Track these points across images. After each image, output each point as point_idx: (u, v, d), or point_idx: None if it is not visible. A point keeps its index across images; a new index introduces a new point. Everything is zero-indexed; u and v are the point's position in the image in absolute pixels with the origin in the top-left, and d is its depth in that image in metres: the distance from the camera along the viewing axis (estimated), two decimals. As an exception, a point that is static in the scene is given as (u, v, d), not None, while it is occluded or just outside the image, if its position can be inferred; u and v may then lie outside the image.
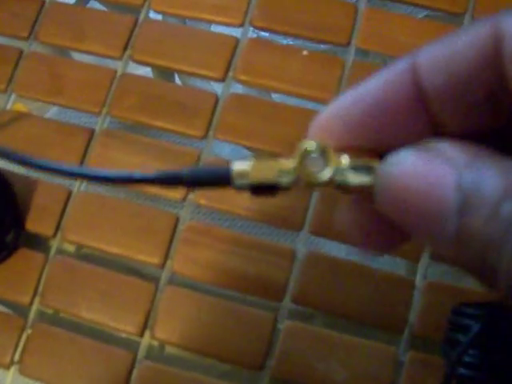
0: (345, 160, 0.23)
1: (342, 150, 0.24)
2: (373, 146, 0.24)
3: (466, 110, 0.23)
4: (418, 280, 0.56)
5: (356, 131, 0.24)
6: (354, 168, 0.23)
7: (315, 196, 0.59)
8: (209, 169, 0.23)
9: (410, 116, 0.23)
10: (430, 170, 0.21)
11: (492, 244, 0.19)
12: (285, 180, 0.23)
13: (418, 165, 0.21)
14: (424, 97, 0.23)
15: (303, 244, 0.58)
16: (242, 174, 0.23)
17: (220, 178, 0.23)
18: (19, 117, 0.67)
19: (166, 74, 0.74)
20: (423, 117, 0.23)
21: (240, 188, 0.23)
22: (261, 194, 0.23)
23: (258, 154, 0.22)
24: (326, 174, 0.23)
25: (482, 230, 0.19)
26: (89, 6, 0.73)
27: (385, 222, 0.23)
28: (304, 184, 0.23)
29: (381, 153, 0.23)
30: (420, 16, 0.75)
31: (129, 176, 0.24)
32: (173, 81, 0.76)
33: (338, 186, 0.23)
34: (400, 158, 0.22)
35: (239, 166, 0.23)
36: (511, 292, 0.19)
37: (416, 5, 0.67)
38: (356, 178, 0.23)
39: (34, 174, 0.64)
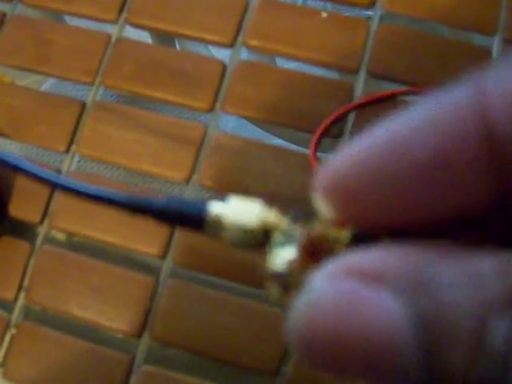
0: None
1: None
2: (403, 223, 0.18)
3: None
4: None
5: (383, 196, 0.18)
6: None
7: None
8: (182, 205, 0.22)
9: (472, 172, 0.17)
10: (364, 298, 0.16)
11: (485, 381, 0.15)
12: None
13: (341, 294, 0.16)
14: (495, 144, 0.17)
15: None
16: (217, 220, 0.21)
17: (194, 222, 0.21)
18: (3, 88, 0.63)
19: (166, 39, 0.69)
20: (490, 172, 0.17)
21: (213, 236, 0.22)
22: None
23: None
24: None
25: (465, 368, 0.15)
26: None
27: None
28: None
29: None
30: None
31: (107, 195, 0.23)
32: (174, 47, 0.71)
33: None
34: (311, 296, 0.17)
35: (219, 209, 0.21)
36: None
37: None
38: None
39: (19, 153, 0.60)
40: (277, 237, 0.20)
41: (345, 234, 0.19)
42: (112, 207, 0.23)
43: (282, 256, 0.20)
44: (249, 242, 0.21)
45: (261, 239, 0.21)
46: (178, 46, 0.78)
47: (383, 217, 0.18)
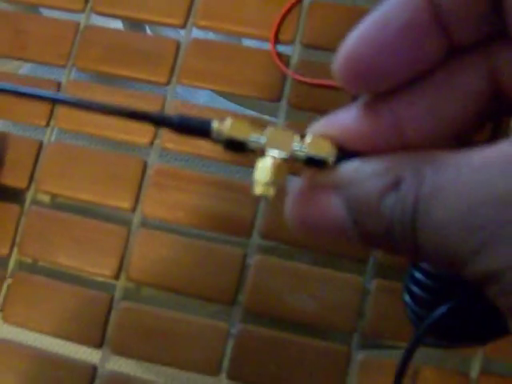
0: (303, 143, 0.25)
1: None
2: (397, 75, 0.25)
3: (477, 21, 0.24)
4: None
5: (379, 56, 0.24)
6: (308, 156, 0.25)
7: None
8: (194, 119, 0.25)
9: (428, 34, 0.24)
10: (315, 198, 0.25)
11: (388, 233, 0.23)
12: (253, 146, 0.25)
13: (304, 196, 0.25)
14: (438, 12, 0.23)
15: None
16: (219, 131, 0.25)
17: (202, 129, 0.25)
18: None
19: (135, 24, 0.75)
20: (439, 34, 0.24)
21: (216, 142, 0.25)
22: (230, 150, 0.26)
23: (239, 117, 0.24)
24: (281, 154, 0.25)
25: (377, 229, 0.23)
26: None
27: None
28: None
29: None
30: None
31: (129, 110, 0.27)
32: (143, 31, 0.78)
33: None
34: (292, 196, 0.26)
35: (219, 123, 0.25)
36: (415, 256, 0.23)
37: None
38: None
39: (4, 128, 0.66)
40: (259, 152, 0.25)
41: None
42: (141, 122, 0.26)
43: (262, 167, 0.25)
44: (238, 147, 0.25)
45: (250, 146, 0.25)
46: (148, 30, 0.83)
47: (377, 74, 0.24)
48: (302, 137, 0.25)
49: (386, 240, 0.23)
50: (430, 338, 0.48)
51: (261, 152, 0.25)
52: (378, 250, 0.23)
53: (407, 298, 0.51)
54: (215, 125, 0.25)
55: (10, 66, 0.80)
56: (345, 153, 0.25)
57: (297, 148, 0.25)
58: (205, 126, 0.25)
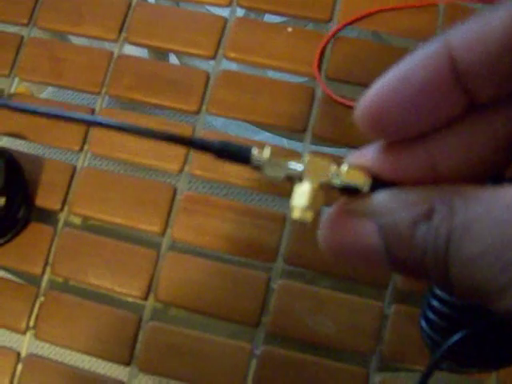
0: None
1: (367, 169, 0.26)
2: (416, 127, 0.26)
3: (499, 81, 0.25)
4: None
5: (400, 110, 0.25)
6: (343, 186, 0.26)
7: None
8: (235, 145, 0.26)
9: (448, 91, 0.25)
10: (352, 224, 0.25)
11: (421, 262, 0.24)
12: (290, 174, 0.26)
13: (341, 222, 0.26)
14: (459, 73, 0.24)
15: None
16: (259, 159, 0.26)
17: (241, 156, 0.26)
18: (22, 99, 0.73)
19: (161, 54, 0.78)
20: (459, 93, 0.25)
21: (255, 169, 0.26)
22: (270, 178, 0.26)
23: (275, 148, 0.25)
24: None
25: (407, 258, 0.24)
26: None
27: None
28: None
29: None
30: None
31: (167, 135, 0.28)
32: (167, 60, 0.81)
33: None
34: (329, 216, 0.26)
35: (259, 151, 0.26)
36: (447, 286, 0.24)
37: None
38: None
39: (40, 153, 0.70)
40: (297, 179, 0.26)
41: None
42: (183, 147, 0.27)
43: (300, 193, 0.25)
44: (280, 177, 0.26)
45: (289, 175, 0.26)
46: (176, 59, 0.86)
47: (397, 125, 0.25)
48: (339, 165, 0.26)
49: (416, 268, 0.24)
50: (445, 362, 0.51)
51: (298, 179, 0.26)
52: (406, 277, 0.24)
53: (424, 323, 0.54)
54: (255, 152, 0.26)
55: (37, 88, 0.83)
56: (378, 182, 0.26)
57: (333, 175, 0.26)
58: (245, 152, 0.26)
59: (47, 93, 0.83)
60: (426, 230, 0.23)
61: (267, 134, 0.82)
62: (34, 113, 0.30)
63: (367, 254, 0.25)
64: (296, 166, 0.26)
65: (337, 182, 0.26)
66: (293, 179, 0.26)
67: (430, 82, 0.25)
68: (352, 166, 0.26)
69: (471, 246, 0.22)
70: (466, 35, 0.24)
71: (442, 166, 0.26)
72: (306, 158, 0.26)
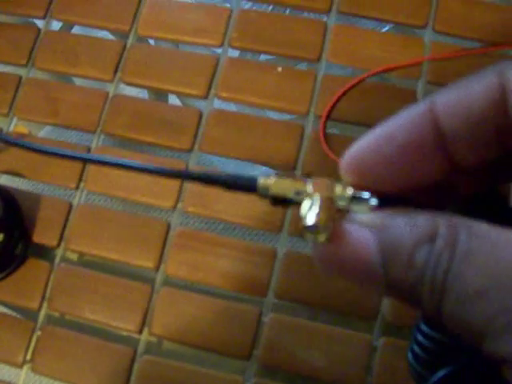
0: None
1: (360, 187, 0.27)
2: (396, 184, 0.26)
3: (478, 148, 0.25)
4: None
5: (381, 168, 0.26)
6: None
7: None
8: (241, 176, 0.27)
9: (430, 154, 0.26)
10: (353, 234, 0.25)
11: (415, 286, 0.23)
12: (298, 198, 0.27)
13: (345, 231, 0.25)
14: (442, 136, 0.25)
15: (283, 244, 0.66)
16: (266, 187, 0.27)
17: (248, 186, 0.27)
18: (20, 138, 0.75)
19: (159, 93, 0.81)
20: (441, 154, 0.26)
21: (262, 196, 0.27)
22: (278, 205, 0.28)
23: (281, 171, 0.26)
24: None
25: (404, 278, 0.24)
26: (80, 32, 0.80)
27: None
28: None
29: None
30: (384, 30, 0.82)
31: (178, 172, 0.29)
32: (165, 99, 0.84)
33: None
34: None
35: (265, 179, 0.27)
36: (436, 317, 0.23)
37: (380, 19, 0.75)
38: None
39: (37, 190, 0.72)
40: (305, 200, 0.26)
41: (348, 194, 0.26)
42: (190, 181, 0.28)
43: (311, 213, 0.25)
44: (285, 201, 0.27)
45: (293, 200, 0.27)
46: (176, 99, 0.88)
47: (379, 180, 0.26)
48: (343, 186, 0.26)
49: (411, 291, 0.24)
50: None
51: (306, 199, 0.26)
52: (398, 300, 0.24)
53: (410, 356, 0.55)
54: (261, 181, 0.27)
55: (35, 127, 0.85)
56: (385, 198, 0.26)
57: (339, 193, 0.26)
58: (252, 182, 0.27)
59: (45, 132, 0.85)
60: (427, 253, 0.23)
61: (263, 168, 0.84)
62: (32, 149, 0.32)
63: (363, 268, 0.25)
64: (302, 190, 0.26)
65: (343, 199, 0.26)
66: (299, 205, 0.26)
67: (412, 143, 0.26)
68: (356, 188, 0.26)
69: (470, 281, 0.22)
70: (450, 100, 0.25)
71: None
72: (310, 181, 0.27)
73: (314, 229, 0.25)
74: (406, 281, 0.23)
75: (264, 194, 0.27)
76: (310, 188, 0.27)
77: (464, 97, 0.25)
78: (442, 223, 0.23)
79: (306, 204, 0.26)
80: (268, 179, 0.27)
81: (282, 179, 0.27)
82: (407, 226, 0.24)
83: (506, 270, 0.22)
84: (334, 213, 0.26)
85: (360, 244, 0.24)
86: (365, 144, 0.26)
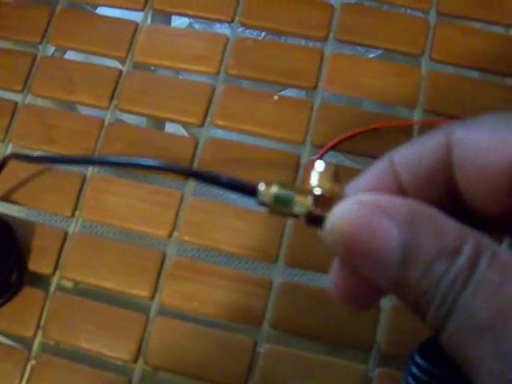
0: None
1: None
2: None
3: (433, 197, 0.28)
4: (385, 303, 0.65)
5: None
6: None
7: (288, 230, 0.68)
8: (242, 180, 0.29)
9: None
10: (374, 223, 0.25)
11: (425, 295, 0.24)
12: (296, 210, 0.28)
13: (364, 216, 0.25)
14: (402, 188, 0.28)
15: (279, 274, 0.67)
16: (266, 194, 0.28)
17: (249, 190, 0.29)
18: (17, 163, 0.74)
19: (156, 120, 0.82)
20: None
21: (261, 203, 0.28)
22: (276, 214, 0.28)
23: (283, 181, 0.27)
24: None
25: (416, 283, 0.24)
26: (77, 58, 0.81)
27: (368, 284, 0.27)
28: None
29: None
30: (381, 58, 0.84)
31: (184, 169, 0.32)
32: (162, 127, 0.85)
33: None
34: (346, 207, 0.26)
35: (266, 187, 0.28)
36: (435, 331, 0.24)
37: (377, 47, 0.77)
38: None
39: (32, 217, 0.73)
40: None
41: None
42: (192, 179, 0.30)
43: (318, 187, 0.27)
44: (284, 211, 0.28)
45: (292, 209, 0.27)
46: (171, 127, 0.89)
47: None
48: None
49: (419, 298, 0.24)
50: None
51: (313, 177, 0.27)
52: (402, 302, 0.24)
53: (405, 388, 0.56)
54: (262, 188, 0.28)
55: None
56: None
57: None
58: (252, 187, 0.28)
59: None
60: (446, 268, 0.23)
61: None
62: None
63: (379, 259, 0.25)
64: (302, 201, 0.27)
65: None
66: (298, 216, 0.27)
67: (383, 190, 0.28)
68: None
69: (477, 313, 0.22)
70: (404, 156, 0.28)
71: None
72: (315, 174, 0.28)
73: (321, 198, 0.26)
74: (418, 287, 0.24)
75: (263, 201, 0.28)
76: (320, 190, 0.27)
77: (415, 153, 0.28)
78: (468, 241, 0.24)
79: (313, 178, 0.27)
80: (269, 187, 0.28)
81: (282, 188, 0.28)
82: (434, 231, 0.24)
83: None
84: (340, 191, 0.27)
85: (383, 234, 0.24)
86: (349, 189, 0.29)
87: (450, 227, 0.24)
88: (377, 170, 0.29)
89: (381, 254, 0.24)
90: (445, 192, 0.28)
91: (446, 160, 0.27)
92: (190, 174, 0.32)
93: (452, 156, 0.27)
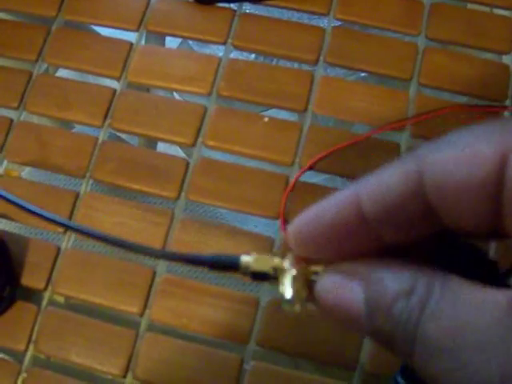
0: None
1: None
2: (338, 254, 0.30)
3: (401, 230, 0.28)
4: (367, 322, 0.68)
5: (316, 240, 0.30)
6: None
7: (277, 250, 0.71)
8: (224, 256, 0.31)
9: (355, 232, 0.29)
10: (343, 287, 0.28)
11: (391, 333, 0.26)
12: (274, 273, 0.30)
13: (336, 283, 0.29)
14: (364, 218, 0.28)
15: (266, 293, 0.70)
16: (246, 265, 0.30)
17: (230, 266, 0.31)
18: (11, 180, 0.80)
19: (148, 140, 0.85)
20: (368, 233, 0.29)
21: (244, 274, 0.31)
22: (257, 280, 0.31)
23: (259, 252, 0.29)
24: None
25: (382, 326, 0.27)
26: (71, 77, 0.84)
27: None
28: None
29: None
30: (370, 81, 0.87)
31: (162, 253, 0.33)
32: (154, 146, 0.88)
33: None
34: (324, 277, 0.29)
35: (246, 258, 0.31)
36: (408, 361, 0.26)
37: (366, 71, 0.80)
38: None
39: (25, 233, 0.76)
40: (283, 275, 0.30)
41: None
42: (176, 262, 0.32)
43: (288, 288, 0.29)
44: (265, 277, 0.30)
45: (270, 275, 0.30)
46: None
47: (320, 251, 0.30)
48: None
49: (388, 339, 0.27)
50: None
51: (283, 275, 0.30)
52: (380, 346, 0.27)
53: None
54: (244, 260, 0.30)
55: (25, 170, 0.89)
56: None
57: (314, 268, 0.30)
58: (234, 262, 0.30)
59: (36, 174, 0.89)
60: (402, 307, 0.26)
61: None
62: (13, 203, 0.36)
63: (351, 317, 0.28)
64: (280, 266, 0.30)
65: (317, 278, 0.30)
66: (278, 280, 0.30)
67: (338, 223, 0.29)
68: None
69: (433, 339, 0.25)
70: (369, 186, 0.28)
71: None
72: (289, 256, 0.30)
73: (291, 302, 0.29)
74: (385, 330, 0.27)
75: (245, 271, 0.31)
76: (287, 264, 0.30)
77: (381, 183, 0.28)
78: (421, 279, 0.26)
79: (283, 279, 0.30)
80: (248, 257, 0.31)
81: (260, 256, 0.31)
82: (390, 280, 0.27)
83: (467, 331, 0.24)
84: (309, 285, 0.30)
85: (348, 295, 0.28)
86: (303, 219, 0.30)
87: (404, 272, 0.27)
88: (340, 198, 0.29)
89: (352, 316, 0.28)
90: (419, 214, 0.28)
91: (416, 186, 0.27)
92: (169, 257, 0.34)
93: (425, 180, 0.27)
